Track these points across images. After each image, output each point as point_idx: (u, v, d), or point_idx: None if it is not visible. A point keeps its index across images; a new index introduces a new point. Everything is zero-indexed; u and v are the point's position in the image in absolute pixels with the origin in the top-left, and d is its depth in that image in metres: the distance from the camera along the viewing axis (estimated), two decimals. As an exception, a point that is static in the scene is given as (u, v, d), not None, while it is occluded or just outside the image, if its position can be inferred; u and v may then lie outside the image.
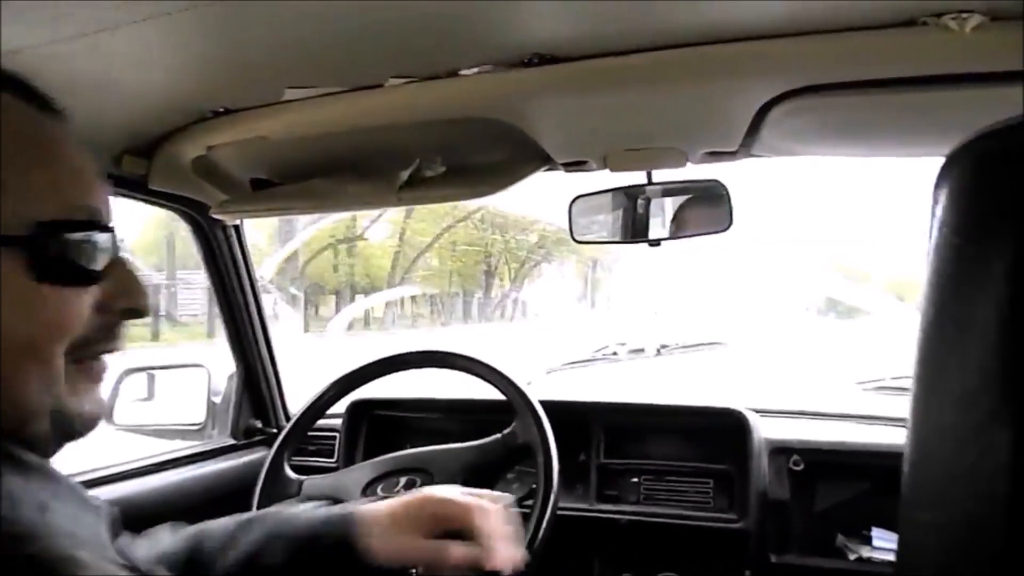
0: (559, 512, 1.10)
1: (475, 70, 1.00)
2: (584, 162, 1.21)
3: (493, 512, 0.82)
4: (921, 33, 0.84)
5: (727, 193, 1.16)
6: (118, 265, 0.55)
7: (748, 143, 1.11)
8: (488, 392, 1.26)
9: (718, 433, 1.42)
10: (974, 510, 0.39)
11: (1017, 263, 0.38)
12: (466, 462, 1.15)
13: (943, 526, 0.41)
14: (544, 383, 1.36)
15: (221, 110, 1.12)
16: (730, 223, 1.16)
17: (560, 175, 1.26)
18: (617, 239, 1.27)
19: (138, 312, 0.57)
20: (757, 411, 1.45)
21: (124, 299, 0.56)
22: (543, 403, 1.18)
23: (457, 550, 0.79)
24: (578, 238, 1.29)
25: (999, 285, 0.38)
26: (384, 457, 1.19)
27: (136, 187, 1.22)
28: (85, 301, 0.52)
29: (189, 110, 1.13)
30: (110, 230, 0.55)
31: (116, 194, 1.23)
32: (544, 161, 1.21)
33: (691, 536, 1.39)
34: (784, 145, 1.10)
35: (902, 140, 1.05)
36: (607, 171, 1.22)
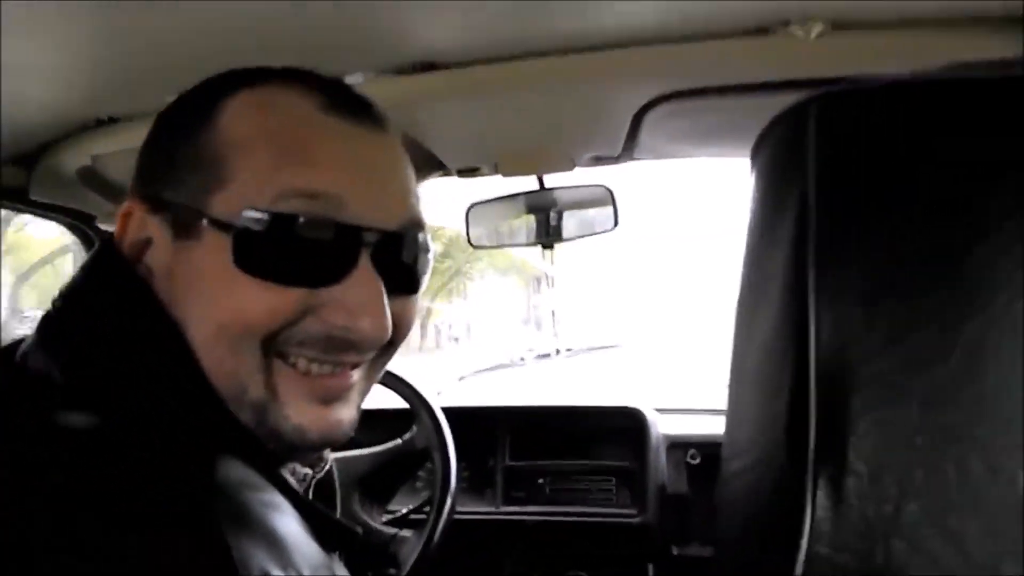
0: (467, 516, 1.11)
1: (360, 77, 1.02)
2: (476, 168, 1.24)
3: None
4: (772, 40, 0.92)
5: (612, 196, 1.22)
6: (359, 277, 0.52)
7: (629, 147, 1.17)
8: (392, 401, 1.27)
9: (619, 431, 1.47)
10: (763, 458, 0.42)
11: (799, 225, 0.41)
12: (364, 469, 1.15)
13: (743, 472, 0.44)
14: (456, 390, 1.37)
15: (105, 118, 1.10)
16: (616, 223, 1.22)
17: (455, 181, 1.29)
18: (513, 242, 1.30)
19: (348, 343, 0.53)
20: (656, 410, 1.51)
21: (341, 317, 0.52)
22: (451, 409, 1.19)
23: None
24: (475, 243, 1.32)
25: (785, 250, 0.42)
26: None
27: (15, 197, 1.18)
28: (289, 298, 0.51)
29: (71, 119, 1.10)
30: (352, 231, 0.52)
31: (-7, 205, 1.19)
32: (437, 167, 1.24)
33: (596, 533, 1.42)
34: (662, 147, 1.16)
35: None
36: (500, 176, 1.26)
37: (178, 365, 0.51)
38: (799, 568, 0.36)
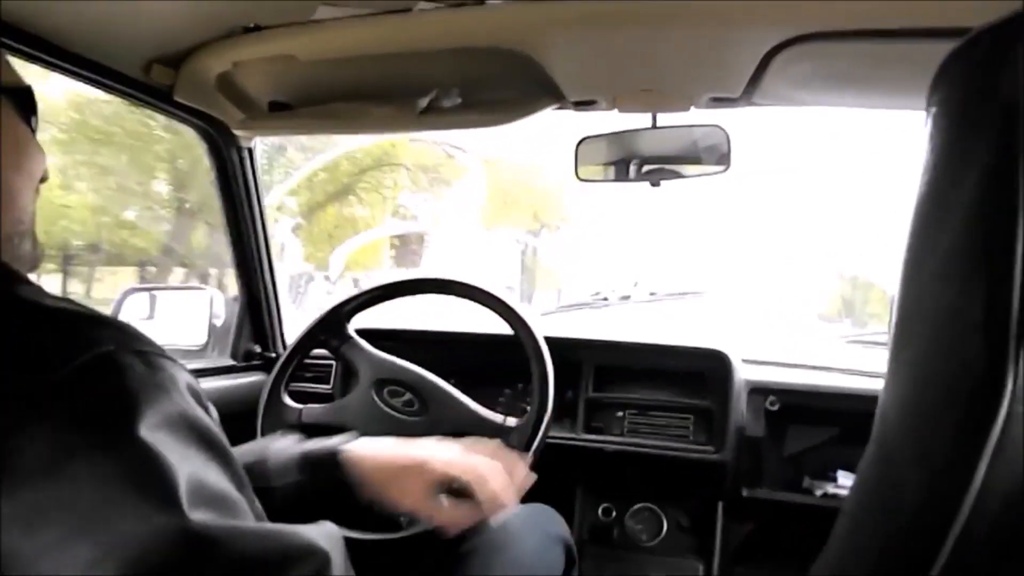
0: (547, 440, 1.15)
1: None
2: (594, 101, 1.27)
3: (492, 475, 0.87)
4: None
5: (727, 137, 1.24)
6: None
7: (751, 90, 1.19)
8: (494, 326, 1.30)
9: (701, 372, 1.51)
10: (951, 337, 0.45)
11: (1004, 130, 0.44)
12: (458, 425, 1.16)
13: (921, 358, 0.48)
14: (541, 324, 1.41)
15: (252, 26, 1.16)
16: (728, 165, 1.24)
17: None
18: (619, 179, 1.33)
19: None
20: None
21: None
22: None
23: (453, 514, 0.86)
24: (582, 177, 1.35)
25: (985, 151, 0.45)
26: (403, 364, 1.24)
27: (161, 97, 1.25)
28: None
29: (220, 24, 1.16)
30: None
31: (140, 103, 1.27)
32: (556, 99, 1.27)
33: (670, 467, 1.47)
34: (786, 92, 1.18)
35: (897, 91, 1.13)
36: (615, 112, 1.29)
37: None
38: (998, 426, 0.40)
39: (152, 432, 0.45)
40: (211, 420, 0.51)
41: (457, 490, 0.86)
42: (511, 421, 1.17)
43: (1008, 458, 0.40)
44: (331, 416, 1.23)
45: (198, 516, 0.44)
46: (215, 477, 0.48)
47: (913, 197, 0.51)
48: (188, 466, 0.46)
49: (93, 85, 1.20)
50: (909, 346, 0.49)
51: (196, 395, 0.52)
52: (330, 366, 1.64)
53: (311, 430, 1.21)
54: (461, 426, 1.17)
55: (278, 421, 1.24)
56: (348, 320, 1.33)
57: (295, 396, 1.31)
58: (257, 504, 0.53)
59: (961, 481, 0.42)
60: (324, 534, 0.50)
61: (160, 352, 0.51)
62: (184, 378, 0.51)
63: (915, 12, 0.94)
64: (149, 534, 0.43)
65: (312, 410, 1.25)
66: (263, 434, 1.21)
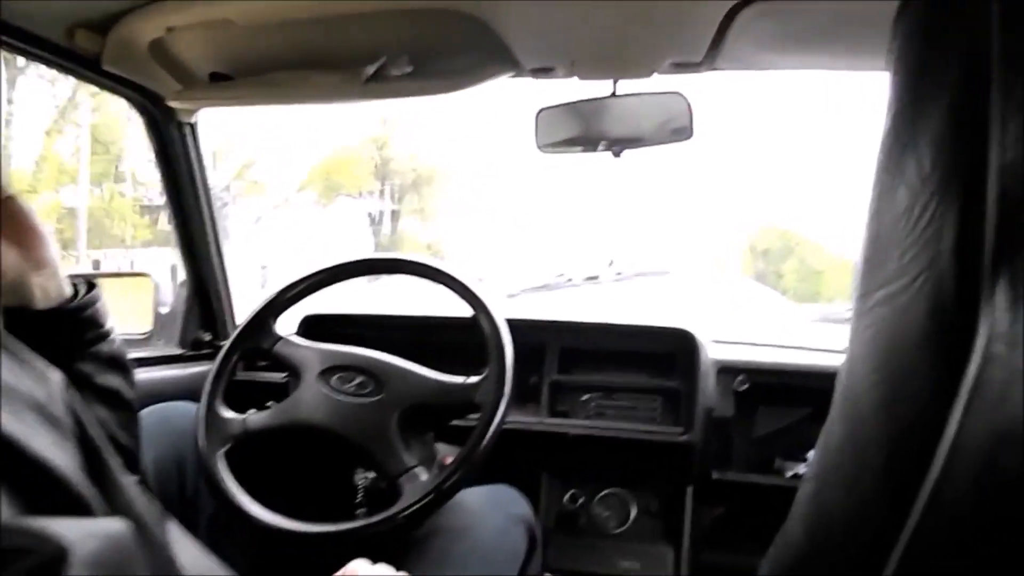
0: (510, 426, 1.09)
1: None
2: (552, 68, 1.22)
3: None
4: None
5: (688, 105, 1.19)
6: None
7: (713, 54, 1.14)
8: (452, 310, 1.24)
9: (668, 353, 1.46)
10: (920, 274, 0.41)
11: (974, 50, 0.40)
12: (419, 396, 1.11)
13: (891, 297, 0.43)
14: (506, 305, 1.34)
15: (184, -12, 1.09)
16: (691, 133, 1.19)
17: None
18: (579, 148, 1.28)
19: None
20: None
21: None
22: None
23: None
24: (542, 149, 1.30)
25: (953, 77, 0.41)
26: (347, 349, 1.17)
27: (88, 65, 1.17)
28: None
29: (149, -15, 1.09)
30: None
31: (67, 72, 1.19)
32: (511, 66, 1.21)
33: (637, 451, 1.42)
34: (748, 56, 1.13)
35: (859, 50, 1.09)
36: (574, 80, 1.24)
37: None
38: (973, 367, 0.35)
39: None
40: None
41: None
42: (473, 378, 1.11)
43: (985, 407, 0.36)
44: (280, 418, 1.14)
45: None
46: None
47: (878, 135, 0.47)
48: None
49: (17, 53, 1.12)
50: (876, 288, 0.44)
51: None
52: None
53: (261, 437, 1.15)
54: (421, 396, 1.11)
55: (222, 438, 1.14)
56: (275, 318, 1.23)
57: (248, 386, 1.23)
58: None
59: (930, 434, 0.37)
60: (83, 528, 0.42)
61: None
62: None
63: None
64: None
65: (257, 417, 1.16)
66: (209, 456, 1.11)
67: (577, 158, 1.36)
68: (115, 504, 0.47)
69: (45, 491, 0.43)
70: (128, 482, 0.51)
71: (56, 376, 0.49)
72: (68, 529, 0.39)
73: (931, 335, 0.39)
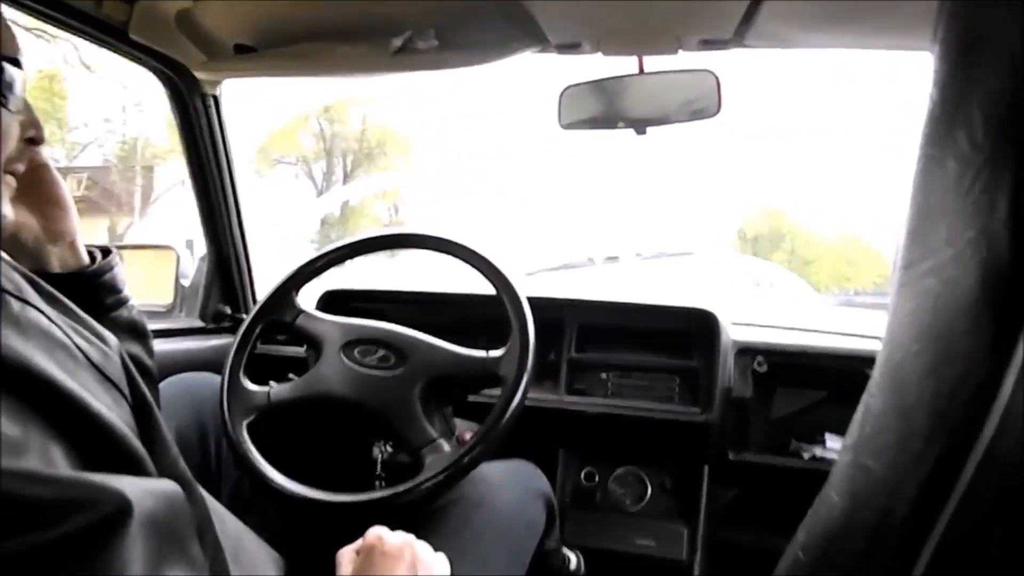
0: (527, 403, 1.09)
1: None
2: (578, 44, 1.21)
3: None
4: None
5: (718, 82, 1.18)
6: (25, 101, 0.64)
7: (743, 31, 1.12)
8: (471, 286, 1.23)
9: (687, 332, 1.46)
10: (966, 253, 0.40)
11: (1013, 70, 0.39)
12: (441, 368, 1.11)
13: (931, 272, 0.43)
14: (526, 284, 1.33)
15: (212, -43, 1.09)
16: (718, 110, 1.18)
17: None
18: (604, 126, 1.27)
19: (40, 140, 0.70)
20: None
21: (31, 129, 0.68)
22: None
23: None
24: (565, 126, 1.29)
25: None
26: (368, 323, 1.17)
27: (115, 34, 1.17)
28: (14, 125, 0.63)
29: (177, -46, 1.09)
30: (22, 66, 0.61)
31: (94, 41, 1.19)
32: (537, 41, 1.21)
33: (654, 430, 1.43)
34: (780, 33, 1.12)
35: (899, 28, 1.07)
36: (599, 56, 1.23)
37: None
38: (1021, 351, 0.35)
39: None
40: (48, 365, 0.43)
41: None
42: (495, 352, 1.10)
43: None
44: (303, 390, 1.15)
45: None
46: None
47: (923, 108, 0.47)
48: None
49: (45, 20, 1.12)
50: (921, 259, 0.44)
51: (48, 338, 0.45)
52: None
53: (284, 409, 1.16)
54: (444, 368, 1.11)
55: (246, 409, 1.15)
56: (297, 291, 1.23)
57: (267, 359, 1.23)
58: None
59: (981, 399, 0.37)
60: (140, 487, 0.42)
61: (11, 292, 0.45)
62: (31, 316, 0.45)
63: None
64: None
65: (281, 389, 1.17)
66: (234, 427, 1.12)
67: (600, 138, 1.36)
68: (162, 464, 0.48)
69: (102, 448, 0.44)
70: (172, 444, 0.51)
71: (112, 338, 0.49)
72: (127, 486, 0.40)
73: (983, 303, 0.38)
